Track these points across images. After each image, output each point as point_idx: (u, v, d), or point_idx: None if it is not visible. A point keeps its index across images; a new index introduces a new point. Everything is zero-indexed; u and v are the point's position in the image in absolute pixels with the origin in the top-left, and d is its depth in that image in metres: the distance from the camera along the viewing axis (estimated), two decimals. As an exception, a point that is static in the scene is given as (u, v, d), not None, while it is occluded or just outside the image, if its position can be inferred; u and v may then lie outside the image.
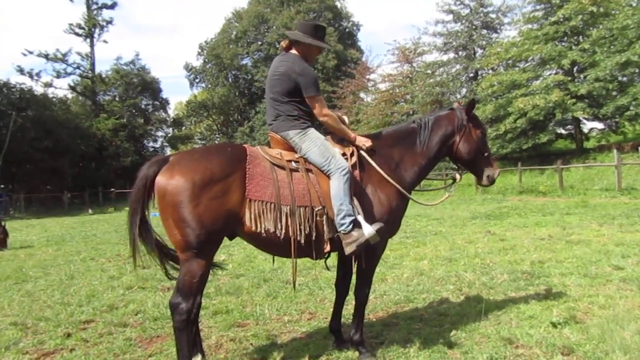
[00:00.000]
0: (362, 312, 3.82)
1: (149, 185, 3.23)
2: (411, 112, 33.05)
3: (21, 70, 40.30)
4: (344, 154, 3.66)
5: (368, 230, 3.38)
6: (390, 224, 3.74)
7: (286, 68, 3.63)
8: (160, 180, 3.18)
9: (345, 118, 3.97)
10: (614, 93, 22.55)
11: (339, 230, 3.42)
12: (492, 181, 4.08)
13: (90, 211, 30.66)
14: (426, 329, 4.25)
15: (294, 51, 3.78)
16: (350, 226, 3.38)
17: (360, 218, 3.44)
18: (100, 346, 4.20)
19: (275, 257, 3.92)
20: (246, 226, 3.26)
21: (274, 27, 47.68)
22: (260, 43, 50.25)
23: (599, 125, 27.09)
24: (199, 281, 3.20)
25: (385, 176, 3.67)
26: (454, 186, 4.36)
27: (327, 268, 3.98)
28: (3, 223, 12.09)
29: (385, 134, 4.03)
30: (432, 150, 3.97)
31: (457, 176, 4.21)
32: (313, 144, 3.56)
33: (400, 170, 3.86)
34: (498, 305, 4.74)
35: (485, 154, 4.08)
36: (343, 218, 3.38)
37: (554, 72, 24.90)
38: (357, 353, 3.73)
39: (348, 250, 3.39)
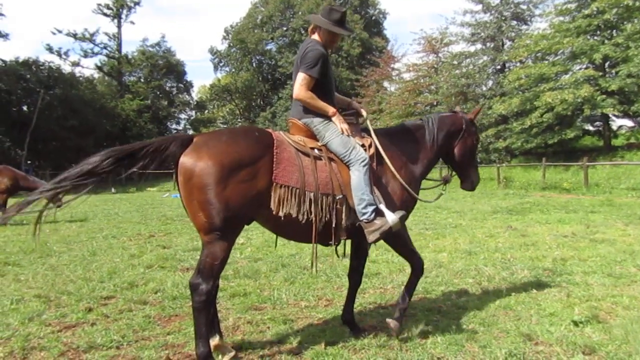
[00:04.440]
0: (415, 281, 3.90)
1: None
2: (435, 103, 32.62)
3: (50, 49, 41.19)
4: (362, 145, 3.68)
5: (391, 217, 3.43)
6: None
7: (300, 52, 3.66)
8: (187, 161, 3.14)
9: (364, 112, 3.96)
10: (646, 90, 21.86)
11: (360, 219, 3.44)
12: (473, 188, 4.32)
13: (113, 190, 31.19)
14: (444, 321, 4.21)
15: (315, 36, 3.77)
16: (373, 215, 3.42)
17: (383, 207, 3.49)
18: (120, 322, 4.28)
19: (292, 243, 3.95)
20: (271, 210, 3.26)
21: (300, 13, 47.37)
22: (285, 29, 50.03)
23: (629, 123, 26.34)
24: (220, 264, 3.21)
25: (394, 171, 3.71)
26: (446, 187, 4.38)
27: (338, 255, 3.93)
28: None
29: (395, 129, 4.14)
30: (438, 146, 4.08)
31: (450, 178, 4.37)
32: (335, 134, 3.60)
33: (410, 163, 3.91)
34: (518, 301, 4.67)
35: (474, 159, 4.30)
36: (365, 207, 3.41)
37: (584, 66, 24.20)
38: (371, 340, 3.73)
39: (371, 238, 3.42)
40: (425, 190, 4.24)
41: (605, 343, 3.61)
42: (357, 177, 3.45)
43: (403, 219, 3.55)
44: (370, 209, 3.42)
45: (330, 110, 3.65)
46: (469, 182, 4.27)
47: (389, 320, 3.73)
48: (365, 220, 3.43)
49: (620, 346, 3.55)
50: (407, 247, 3.87)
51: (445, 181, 4.31)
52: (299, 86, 3.57)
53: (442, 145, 4.10)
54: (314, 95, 3.59)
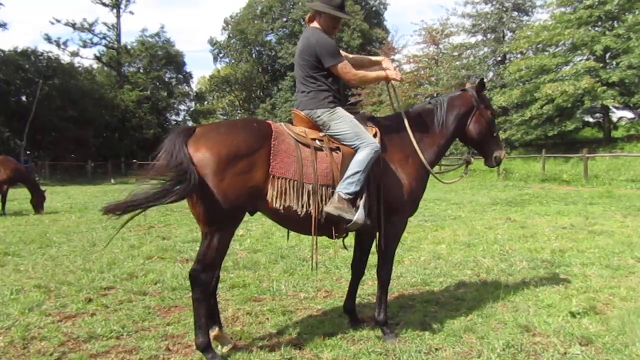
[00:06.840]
0: (385, 292, 3.79)
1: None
2: (435, 95, 32.52)
3: (49, 39, 40.86)
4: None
5: (358, 216, 3.38)
6: (410, 203, 3.78)
7: (305, 42, 3.64)
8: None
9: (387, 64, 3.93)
10: (647, 81, 21.78)
11: (338, 189, 3.39)
12: (499, 162, 4.17)
13: (112, 181, 31.16)
14: (442, 312, 4.24)
15: (315, 24, 3.75)
16: (350, 196, 3.37)
17: (361, 204, 3.42)
18: (120, 312, 4.30)
19: (292, 234, 3.94)
20: (269, 202, 3.26)
21: (300, 4, 47.05)
22: (285, 19, 49.73)
23: (629, 114, 26.33)
24: (220, 255, 3.23)
25: (417, 148, 3.72)
26: (467, 169, 4.29)
27: (345, 247, 3.98)
28: (44, 188, 12.57)
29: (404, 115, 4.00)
30: (449, 130, 3.99)
31: (471, 159, 4.26)
32: (342, 121, 3.57)
33: (421, 150, 3.85)
34: (516, 293, 4.69)
35: (494, 134, 4.13)
36: (350, 184, 3.37)
37: (585, 57, 24.13)
38: (370, 332, 3.75)
39: (329, 208, 3.35)
40: (446, 173, 4.15)
41: (602, 334, 3.63)
42: (362, 155, 3.42)
43: (366, 226, 3.45)
44: (353, 189, 3.36)
45: (382, 73, 3.76)
46: (492, 158, 4.11)
47: (385, 343, 3.57)
48: (340, 194, 3.37)
49: (617, 337, 3.57)
50: (393, 251, 3.82)
51: (467, 162, 4.23)
52: (344, 75, 3.62)
53: (454, 128, 3.99)
54: (359, 72, 3.67)
